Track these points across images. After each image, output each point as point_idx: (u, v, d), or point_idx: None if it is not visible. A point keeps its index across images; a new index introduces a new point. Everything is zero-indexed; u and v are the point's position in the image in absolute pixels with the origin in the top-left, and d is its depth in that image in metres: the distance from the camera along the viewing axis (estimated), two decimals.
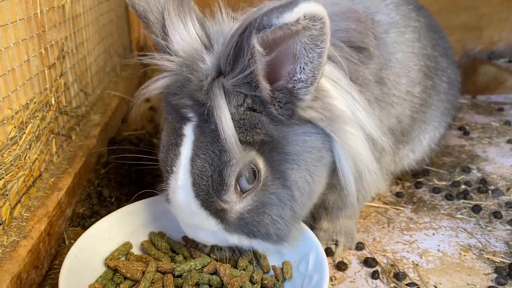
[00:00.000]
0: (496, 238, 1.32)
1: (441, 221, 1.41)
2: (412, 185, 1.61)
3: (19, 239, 1.07)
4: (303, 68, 0.80)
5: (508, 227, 1.37)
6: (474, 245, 1.29)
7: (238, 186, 0.90)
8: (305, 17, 0.70)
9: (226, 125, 0.82)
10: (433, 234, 1.35)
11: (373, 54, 1.05)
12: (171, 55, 0.93)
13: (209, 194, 0.89)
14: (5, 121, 1.12)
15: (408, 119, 1.21)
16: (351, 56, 0.94)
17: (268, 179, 0.91)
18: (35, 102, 1.30)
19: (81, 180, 1.48)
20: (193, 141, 0.90)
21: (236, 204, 0.92)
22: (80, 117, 1.69)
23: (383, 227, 1.38)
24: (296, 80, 0.82)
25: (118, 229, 1.10)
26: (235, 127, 0.84)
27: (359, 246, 1.27)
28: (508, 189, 1.57)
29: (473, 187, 1.59)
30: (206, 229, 0.95)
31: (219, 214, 0.92)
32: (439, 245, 1.30)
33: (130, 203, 1.41)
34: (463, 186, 1.59)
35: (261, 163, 0.90)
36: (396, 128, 1.19)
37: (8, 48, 1.13)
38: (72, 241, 1.28)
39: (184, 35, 0.92)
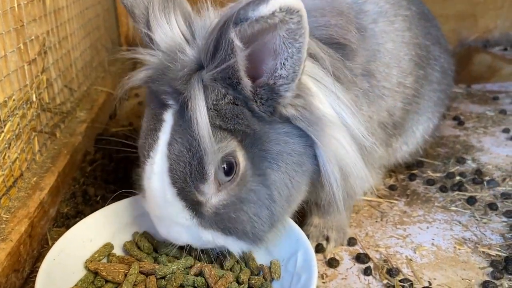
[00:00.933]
0: (492, 231, 1.29)
1: (435, 214, 1.38)
2: (406, 178, 1.57)
3: None
4: (283, 64, 0.79)
5: (504, 219, 1.34)
6: (469, 238, 1.26)
7: (216, 178, 0.87)
8: (281, 9, 0.70)
9: (200, 116, 0.80)
10: (427, 228, 1.32)
11: (357, 48, 1.01)
12: (153, 49, 0.91)
13: (186, 183, 0.86)
14: None
15: (400, 111, 1.18)
16: (334, 53, 0.91)
17: (247, 174, 0.88)
18: (14, 100, 1.25)
19: (65, 178, 1.44)
20: (172, 126, 0.88)
21: (212, 197, 0.88)
22: (65, 114, 1.65)
23: (376, 221, 1.35)
24: (277, 76, 0.81)
25: (100, 230, 1.06)
26: (215, 115, 0.83)
27: (351, 242, 1.24)
28: (503, 179, 1.54)
29: (468, 178, 1.55)
30: (179, 223, 0.90)
31: (194, 206, 0.88)
32: (433, 239, 1.26)
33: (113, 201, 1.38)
34: (457, 178, 1.56)
35: (241, 157, 0.87)
36: (387, 121, 1.15)
37: None
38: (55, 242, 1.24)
39: (167, 30, 0.91)
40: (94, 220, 1.06)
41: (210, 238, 0.92)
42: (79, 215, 1.35)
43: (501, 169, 1.62)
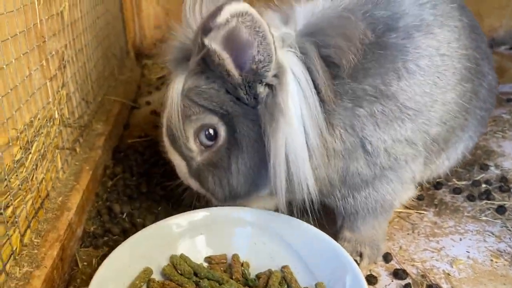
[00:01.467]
0: None
1: (466, 225, 1.37)
2: (431, 186, 1.56)
3: (32, 269, 1.01)
4: (258, 51, 0.94)
5: None
6: (504, 250, 1.25)
7: (198, 140, 1.08)
8: (232, 16, 0.88)
9: (173, 97, 1.04)
10: (460, 240, 1.30)
11: (368, 68, 1.04)
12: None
13: (175, 139, 1.08)
14: (10, 143, 1.04)
15: (438, 128, 1.14)
16: (327, 73, 1.00)
17: (223, 146, 1.06)
18: (39, 118, 1.22)
19: (89, 195, 1.41)
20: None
21: (198, 155, 1.09)
22: (83, 128, 1.62)
23: (408, 234, 1.33)
24: (257, 61, 0.96)
25: (136, 255, 1.03)
26: (195, 94, 1.03)
27: (387, 257, 1.22)
28: None
29: (494, 186, 1.54)
30: (177, 167, 1.15)
31: (186, 158, 1.10)
32: (468, 252, 1.25)
33: (144, 220, 1.35)
34: (484, 185, 1.55)
35: (222, 130, 1.05)
36: (418, 141, 1.11)
37: (10, 64, 1.05)
38: (85, 263, 1.22)
39: (191, 20, 1.09)
40: (130, 244, 1.03)
41: (194, 186, 1.14)
42: (106, 233, 1.32)
43: None
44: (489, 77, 1.35)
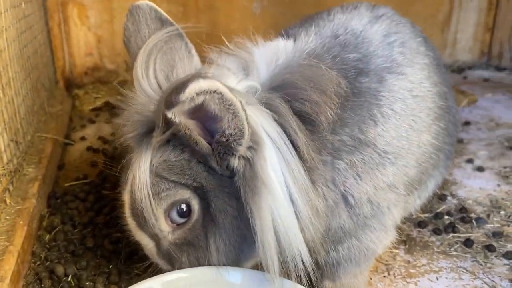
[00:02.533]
0: (500, 276, 1.26)
1: (439, 261, 1.33)
2: None
3: None
4: (228, 126, 0.84)
5: (505, 261, 1.33)
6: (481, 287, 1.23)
7: (169, 219, 0.95)
8: (198, 94, 0.77)
9: (139, 176, 0.90)
10: (437, 279, 1.26)
11: (343, 119, 0.97)
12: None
13: (142, 218, 0.94)
14: None
15: (415, 169, 1.09)
16: (304, 131, 0.92)
17: (198, 222, 0.94)
18: None
19: (25, 256, 1.20)
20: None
21: (168, 235, 0.96)
22: (13, 173, 1.40)
23: (384, 276, 1.27)
24: (227, 135, 0.85)
25: None
26: (164, 169, 0.91)
27: None
28: (488, 215, 1.54)
29: (456, 217, 1.54)
30: (145, 248, 1.01)
31: (154, 237, 0.97)
32: None
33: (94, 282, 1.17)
34: (446, 217, 1.53)
35: (196, 205, 0.93)
36: (399, 184, 1.06)
37: None
38: None
39: (145, 84, 0.97)
40: None
41: (165, 267, 1.00)
42: None
43: (481, 203, 1.63)
44: (453, 110, 1.33)
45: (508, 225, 1.50)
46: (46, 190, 1.55)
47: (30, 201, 1.34)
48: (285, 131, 0.89)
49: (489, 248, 1.37)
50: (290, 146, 0.88)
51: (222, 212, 0.92)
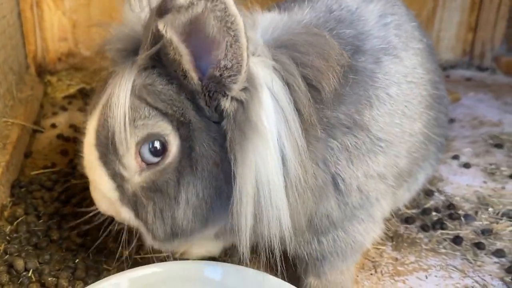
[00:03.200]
0: (490, 275, 1.21)
1: (428, 259, 1.27)
2: None
3: None
4: (225, 55, 0.76)
5: (495, 259, 1.28)
6: (472, 286, 1.17)
7: (139, 155, 0.84)
8: None
9: (119, 95, 0.79)
10: (426, 277, 1.20)
11: (341, 95, 0.90)
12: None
13: (107, 148, 0.83)
14: None
15: (405, 161, 1.03)
16: (307, 94, 0.83)
17: (172, 164, 0.84)
18: None
19: None
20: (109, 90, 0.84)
21: (136, 175, 0.85)
22: None
23: (371, 274, 1.21)
24: (222, 67, 0.77)
25: None
26: (148, 93, 0.81)
27: None
28: (476, 212, 1.50)
29: (444, 214, 1.48)
30: (102, 191, 0.87)
31: (117, 179, 0.86)
32: None
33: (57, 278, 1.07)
34: (434, 213, 1.48)
35: (174, 145, 0.83)
36: (388, 174, 1.00)
37: None
38: None
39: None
40: None
41: (127, 217, 0.89)
42: None
43: (468, 200, 1.58)
44: (445, 100, 1.28)
45: (497, 223, 1.45)
46: (10, 178, 1.44)
47: None
48: (289, 88, 0.81)
49: (479, 245, 1.32)
50: (292, 104, 0.81)
51: (204, 157, 0.82)
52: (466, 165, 1.83)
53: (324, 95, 0.85)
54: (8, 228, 1.24)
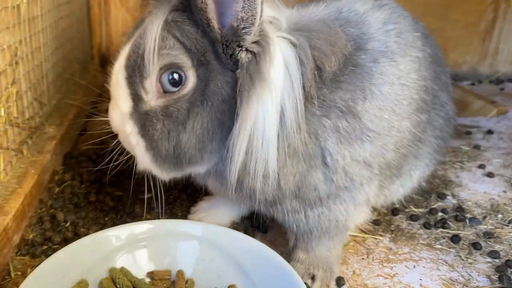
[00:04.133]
0: (478, 272, 1.27)
1: (421, 252, 1.35)
2: (388, 212, 1.54)
3: None
4: (243, 7, 0.89)
5: (489, 259, 1.33)
6: (456, 279, 1.24)
7: (159, 82, 0.96)
8: None
9: (152, 21, 0.92)
10: (414, 267, 1.28)
11: (342, 81, 1.03)
12: None
13: (133, 71, 0.96)
14: None
15: (392, 154, 1.14)
16: (314, 68, 0.98)
17: (186, 96, 0.96)
18: None
19: (32, 201, 1.32)
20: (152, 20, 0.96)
21: (153, 99, 0.97)
22: (33, 129, 1.53)
23: (363, 258, 1.31)
24: (239, 19, 0.90)
25: (73, 265, 0.96)
26: (177, 28, 0.94)
27: (339, 282, 1.18)
28: (484, 217, 1.54)
29: (450, 215, 1.54)
30: (119, 106, 0.99)
31: (135, 98, 0.97)
32: (421, 279, 1.23)
33: (88, 230, 1.28)
34: (440, 214, 1.54)
35: (192, 78, 0.96)
36: (374, 163, 1.11)
37: None
38: (19, 273, 1.13)
39: None
40: (66, 254, 0.96)
41: (128, 130, 0.99)
42: (46, 242, 1.23)
43: (481, 206, 1.62)
44: (447, 107, 1.37)
45: (502, 228, 1.49)
46: (63, 150, 1.68)
47: (44, 156, 1.47)
48: (300, 60, 0.95)
49: (475, 245, 1.37)
50: (299, 72, 0.95)
51: (216, 95, 0.95)
52: (490, 175, 1.86)
53: (325, 75, 0.99)
54: (56, 190, 1.47)
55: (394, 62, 1.13)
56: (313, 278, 1.16)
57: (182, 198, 1.50)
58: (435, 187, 1.73)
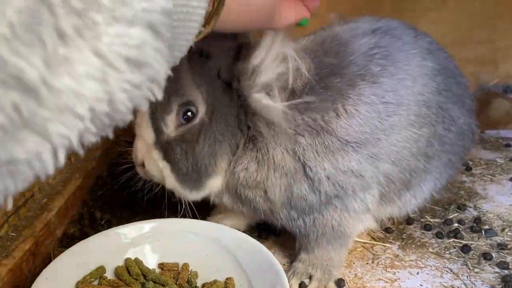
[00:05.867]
0: (483, 281, 1.29)
1: (428, 260, 1.39)
2: (403, 221, 1.59)
3: (0, 258, 1.12)
4: None
5: (497, 269, 1.34)
6: (458, 287, 1.27)
7: (179, 117, 1.10)
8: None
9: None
10: (417, 273, 1.33)
11: (315, 100, 1.11)
12: None
13: (156, 109, 1.09)
14: None
15: (388, 165, 1.20)
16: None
17: (198, 123, 1.11)
18: None
19: (75, 201, 1.53)
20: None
21: (171, 131, 1.11)
22: None
23: (367, 263, 1.37)
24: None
25: (95, 253, 1.13)
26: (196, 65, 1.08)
27: (339, 283, 1.26)
28: (503, 229, 1.54)
29: (466, 226, 1.55)
30: (143, 138, 1.14)
31: (157, 131, 1.11)
32: (421, 285, 1.28)
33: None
34: (455, 225, 1.56)
35: (201, 109, 1.10)
36: (370, 174, 1.18)
37: None
38: None
39: None
40: (89, 244, 1.13)
41: (156, 157, 1.14)
42: (83, 236, 1.42)
43: (502, 218, 1.61)
44: (460, 121, 1.38)
45: None
46: (108, 158, 1.89)
47: (90, 163, 1.68)
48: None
49: (485, 256, 1.38)
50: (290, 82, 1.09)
51: (223, 114, 1.12)
52: None
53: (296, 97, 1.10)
54: (99, 193, 1.68)
55: (376, 84, 1.18)
56: (310, 277, 1.25)
57: (205, 203, 1.65)
58: (457, 199, 1.74)
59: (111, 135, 0.54)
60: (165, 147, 1.14)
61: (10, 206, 0.49)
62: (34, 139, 0.45)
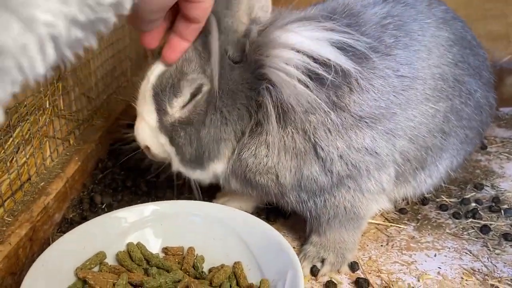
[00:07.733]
0: (504, 263, 1.22)
1: (446, 241, 1.32)
2: (418, 201, 1.52)
3: None
4: None
5: None
6: (478, 269, 1.20)
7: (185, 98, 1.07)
8: None
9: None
10: (435, 255, 1.26)
11: (323, 78, 1.04)
12: None
13: (163, 91, 1.06)
14: None
15: (405, 142, 1.13)
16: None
17: (202, 99, 1.08)
18: (26, 105, 1.29)
19: (74, 185, 1.46)
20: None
21: (177, 112, 1.08)
22: (81, 121, 1.68)
23: (381, 245, 1.30)
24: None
25: (94, 238, 1.06)
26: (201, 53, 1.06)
27: (353, 266, 1.20)
28: None
29: (484, 206, 1.48)
30: (146, 120, 1.10)
31: (161, 113, 1.08)
32: (439, 268, 1.21)
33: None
34: (473, 204, 1.49)
35: (205, 87, 1.07)
36: (386, 151, 1.11)
37: None
38: None
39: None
40: (87, 228, 1.07)
41: (163, 141, 1.11)
42: (83, 221, 1.35)
43: None
44: (476, 94, 1.30)
45: None
46: (109, 140, 1.82)
47: (89, 145, 1.61)
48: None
49: (506, 236, 1.32)
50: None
51: (227, 91, 1.07)
52: None
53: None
54: (99, 176, 1.61)
55: (390, 56, 1.11)
56: (322, 261, 1.18)
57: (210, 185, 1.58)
58: (474, 178, 1.67)
59: (95, 44, 0.53)
60: (170, 131, 1.10)
61: (1, 119, 0.46)
62: (18, 25, 0.43)
